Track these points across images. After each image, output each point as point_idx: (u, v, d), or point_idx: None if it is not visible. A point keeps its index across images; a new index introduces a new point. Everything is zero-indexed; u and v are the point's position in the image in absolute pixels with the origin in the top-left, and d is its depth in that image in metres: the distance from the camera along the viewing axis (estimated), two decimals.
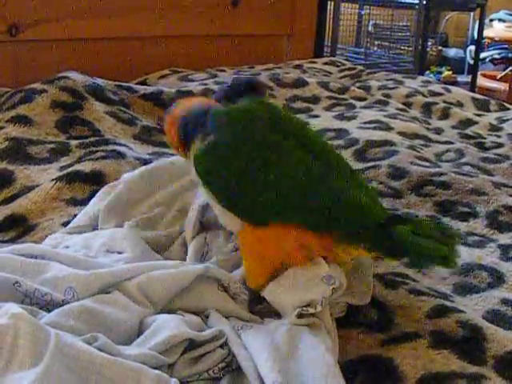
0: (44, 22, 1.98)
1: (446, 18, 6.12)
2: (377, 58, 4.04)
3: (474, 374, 0.74)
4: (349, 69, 2.51)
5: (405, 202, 1.26)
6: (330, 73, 2.42)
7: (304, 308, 0.77)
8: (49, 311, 0.73)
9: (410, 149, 1.48)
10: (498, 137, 1.77)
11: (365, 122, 1.68)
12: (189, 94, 1.77)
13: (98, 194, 1.09)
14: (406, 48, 4.05)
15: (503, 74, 5.28)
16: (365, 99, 2.00)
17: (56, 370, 0.61)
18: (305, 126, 0.91)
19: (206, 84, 1.91)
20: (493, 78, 5.32)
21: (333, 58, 2.76)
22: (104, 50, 2.13)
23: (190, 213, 0.99)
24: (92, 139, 1.41)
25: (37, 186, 1.19)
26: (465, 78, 5.53)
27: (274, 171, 0.82)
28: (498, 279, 0.98)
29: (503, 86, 4.91)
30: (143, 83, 2.02)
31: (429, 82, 2.32)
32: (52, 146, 1.36)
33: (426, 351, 0.78)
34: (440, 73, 5.54)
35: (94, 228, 1.01)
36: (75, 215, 1.08)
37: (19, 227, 1.10)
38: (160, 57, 2.22)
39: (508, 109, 2.09)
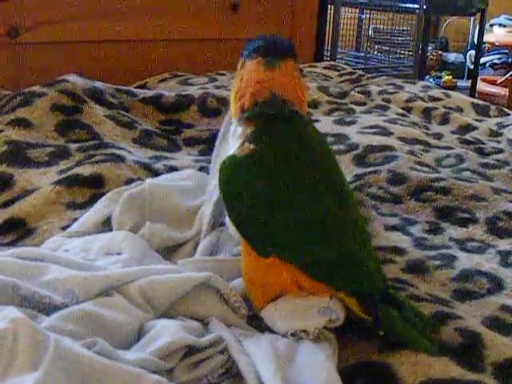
0: (44, 25, 1.98)
1: (446, 22, 6.13)
2: (377, 62, 4.04)
3: (473, 381, 0.74)
4: (349, 73, 2.51)
5: (404, 208, 1.26)
6: (330, 77, 2.42)
7: (297, 333, 0.77)
8: (48, 314, 0.73)
9: (409, 154, 1.48)
10: (498, 142, 1.77)
11: (365, 127, 1.68)
12: (189, 97, 1.77)
13: (101, 200, 1.09)
14: (406, 52, 4.04)
15: (503, 79, 5.28)
16: (365, 104, 2.00)
17: (55, 375, 0.60)
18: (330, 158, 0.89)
19: (206, 88, 1.91)
20: (493, 82, 5.33)
21: (333, 63, 2.76)
22: (104, 54, 2.13)
23: (205, 208, 1.00)
24: (91, 143, 1.41)
25: (36, 189, 1.19)
26: (465, 83, 5.54)
27: (289, 207, 0.80)
28: (497, 285, 0.98)
29: (503, 91, 4.91)
30: (143, 87, 2.02)
31: (429, 87, 2.32)
32: (51, 149, 1.36)
33: (425, 358, 0.77)
34: (440, 77, 5.55)
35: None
36: (75, 219, 1.08)
37: (18, 230, 1.10)
38: (160, 60, 2.22)
39: (508, 114, 2.08)
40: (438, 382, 0.73)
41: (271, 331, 0.80)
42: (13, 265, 0.79)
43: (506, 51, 5.85)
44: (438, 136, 1.77)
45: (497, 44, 5.59)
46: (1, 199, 1.19)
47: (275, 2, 2.55)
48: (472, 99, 2.24)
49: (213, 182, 1.00)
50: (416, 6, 3.79)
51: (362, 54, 4.07)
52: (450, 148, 1.63)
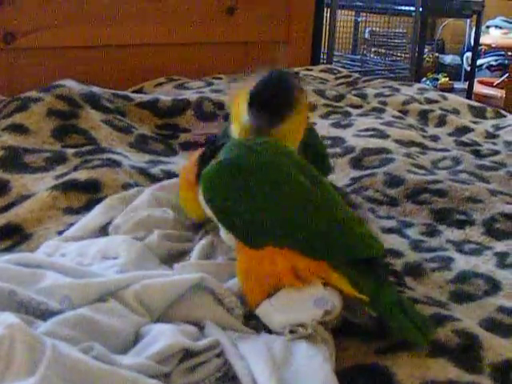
0: (40, 30, 1.98)
1: (443, 24, 6.13)
2: (373, 64, 4.04)
3: (470, 382, 0.74)
4: (345, 76, 2.51)
5: (401, 210, 1.26)
6: (327, 80, 2.42)
7: (294, 328, 0.77)
8: (45, 320, 0.73)
9: (406, 156, 1.48)
10: (495, 144, 1.77)
11: (361, 130, 1.68)
12: (185, 102, 1.77)
13: (99, 206, 1.09)
14: (403, 55, 4.05)
15: (500, 80, 5.28)
16: (361, 107, 2.00)
17: (52, 380, 0.60)
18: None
19: (202, 92, 1.91)
20: (489, 84, 5.33)
21: (329, 66, 2.76)
22: (100, 58, 2.13)
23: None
24: (88, 148, 1.41)
25: (33, 194, 1.19)
26: (461, 85, 5.54)
27: (274, 194, 0.83)
28: (494, 287, 0.98)
29: (500, 93, 4.92)
30: (139, 91, 2.02)
31: (425, 89, 2.32)
32: (48, 154, 1.35)
33: (423, 360, 0.78)
34: (436, 80, 5.55)
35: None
36: (72, 224, 1.08)
37: (15, 236, 1.09)
38: (156, 65, 2.22)
39: (504, 116, 2.09)
40: None
41: (268, 330, 0.80)
42: (9, 271, 0.79)
43: (503, 53, 5.86)
44: (435, 138, 1.77)
45: (493, 46, 5.60)
46: None
47: (271, 5, 2.55)
48: (468, 101, 2.24)
49: None
50: (412, 8, 3.79)
51: (359, 57, 4.08)
52: (446, 150, 1.63)
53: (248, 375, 0.70)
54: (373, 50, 4.27)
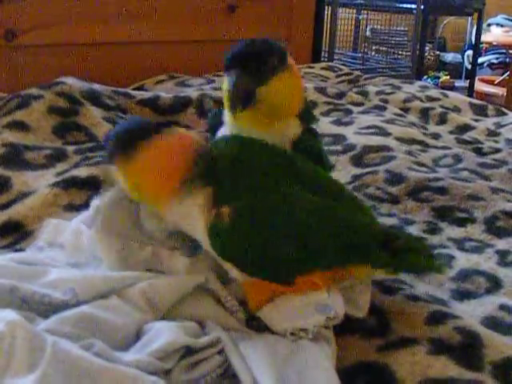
0: (40, 28, 1.98)
1: (444, 22, 6.13)
2: (374, 62, 4.04)
3: (471, 380, 0.74)
4: (346, 74, 2.51)
5: (402, 208, 1.26)
6: (328, 78, 2.42)
7: (296, 331, 0.77)
8: (47, 316, 0.73)
9: (407, 154, 1.48)
10: (496, 142, 1.77)
11: (362, 128, 1.68)
12: (186, 99, 1.77)
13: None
14: (404, 53, 4.05)
15: (501, 78, 5.28)
16: (362, 104, 2.00)
17: (52, 377, 0.61)
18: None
19: (203, 89, 1.91)
20: (491, 82, 5.33)
21: (330, 63, 2.76)
22: (101, 56, 2.13)
23: None
24: (89, 145, 1.41)
25: (34, 191, 1.19)
26: (462, 83, 5.54)
27: (290, 231, 0.78)
28: (495, 285, 0.98)
29: (501, 91, 4.91)
30: (140, 88, 2.02)
31: (426, 87, 2.32)
32: (49, 151, 1.35)
33: (424, 357, 0.77)
34: (438, 77, 5.54)
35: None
36: None
37: (16, 233, 1.10)
38: (157, 62, 2.22)
39: (506, 114, 2.08)
40: (437, 382, 0.74)
41: (270, 331, 0.80)
42: (11, 268, 0.79)
43: (504, 51, 5.86)
44: (436, 136, 1.77)
45: (494, 44, 5.60)
46: None
47: (272, 2, 2.55)
48: (470, 99, 2.24)
49: None
50: (413, 6, 3.79)
51: (360, 55, 4.08)
52: (447, 148, 1.63)
53: (248, 373, 0.70)
54: (374, 47, 4.27)
